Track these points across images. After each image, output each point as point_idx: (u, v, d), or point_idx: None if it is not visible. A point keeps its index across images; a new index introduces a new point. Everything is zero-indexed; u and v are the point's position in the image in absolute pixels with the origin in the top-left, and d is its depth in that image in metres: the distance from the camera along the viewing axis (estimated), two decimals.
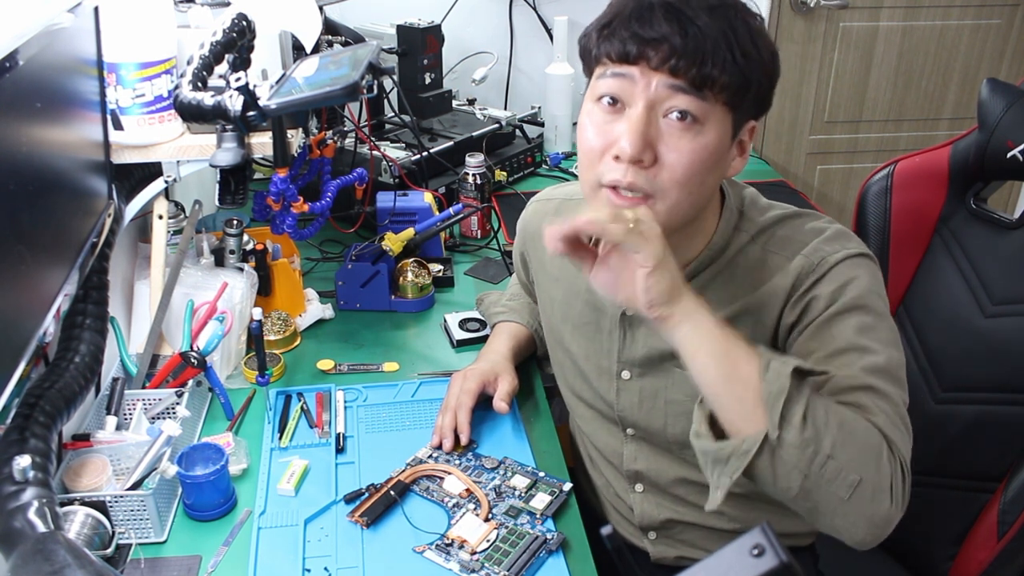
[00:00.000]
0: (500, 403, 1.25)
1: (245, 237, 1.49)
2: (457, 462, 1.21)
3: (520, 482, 1.16)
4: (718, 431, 0.89)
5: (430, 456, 1.22)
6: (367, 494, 1.14)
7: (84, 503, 1.03)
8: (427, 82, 2.02)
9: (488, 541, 1.06)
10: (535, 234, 1.25)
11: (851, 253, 0.99)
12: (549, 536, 1.07)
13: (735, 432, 0.86)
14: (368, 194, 1.61)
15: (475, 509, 1.12)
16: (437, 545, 1.07)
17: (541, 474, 1.18)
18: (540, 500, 1.13)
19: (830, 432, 0.83)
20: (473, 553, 1.05)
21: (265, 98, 1.14)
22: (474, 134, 2.02)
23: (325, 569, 1.05)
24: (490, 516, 1.11)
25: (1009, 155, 1.25)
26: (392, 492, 1.13)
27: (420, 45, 1.98)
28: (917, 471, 1.33)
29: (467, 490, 1.15)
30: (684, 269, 1.04)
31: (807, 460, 0.82)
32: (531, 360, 1.42)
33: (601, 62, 0.95)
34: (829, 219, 1.06)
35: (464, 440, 1.22)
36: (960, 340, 1.29)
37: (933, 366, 1.32)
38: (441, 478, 1.18)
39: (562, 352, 1.23)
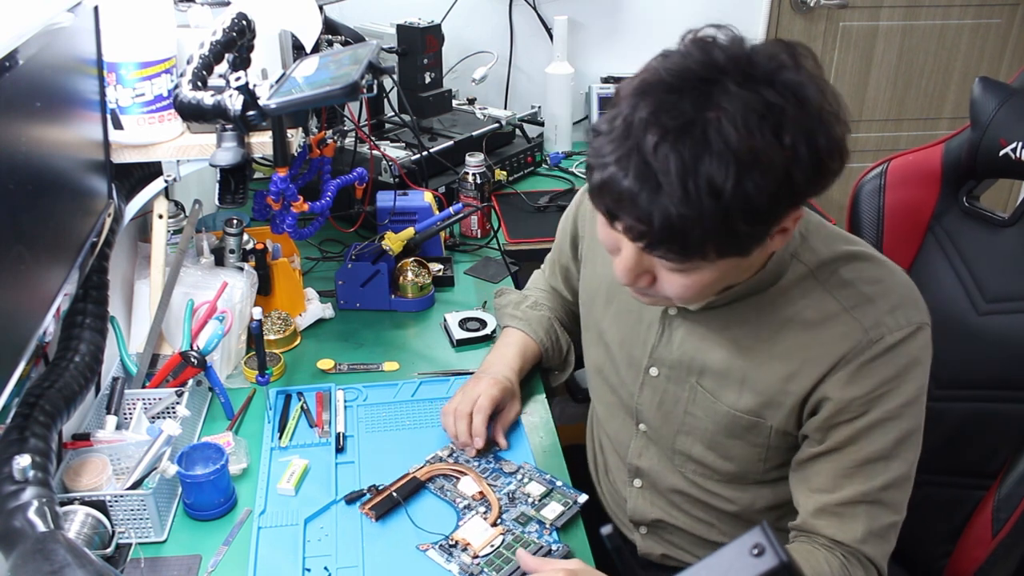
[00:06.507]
0: (503, 440, 1.24)
1: (245, 236, 1.49)
2: (475, 464, 1.20)
3: (535, 489, 1.15)
4: None
5: (450, 455, 1.22)
6: (369, 495, 1.14)
7: (84, 503, 1.03)
8: (427, 82, 2.02)
9: (492, 546, 1.06)
10: (594, 212, 1.23)
11: (910, 331, 0.95)
12: (554, 548, 1.06)
13: None
14: (368, 193, 1.61)
15: (485, 513, 1.11)
16: (441, 545, 1.07)
17: (558, 483, 1.17)
18: (552, 510, 1.12)
19: None
20: (475, 557, 1.04)
21: (265, 97, 1.14)
22: (474, 134, 2.02)
23: (325, 569, 1.05)
24: (499, 521, 1.10)
25: (1001, 153, 1.25)
26: (395, 494, 1.13)
27: (420, 45, 1.98)
28: None
29: (480, 492, 1.14)
30: (722, 292, 1.00)
31: None
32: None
33: None
34: (892, 266, 1.02)
35: (480, 445, 1.21)
36: (954, 338, 1.28)
37: None
38: (457, 478, 1.17)
39: (596, 332, 1.21)
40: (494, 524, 1.09)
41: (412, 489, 1.15)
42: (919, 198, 1.34)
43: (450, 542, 1.07)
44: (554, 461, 1.23)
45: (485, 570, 1.03)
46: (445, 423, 1.24)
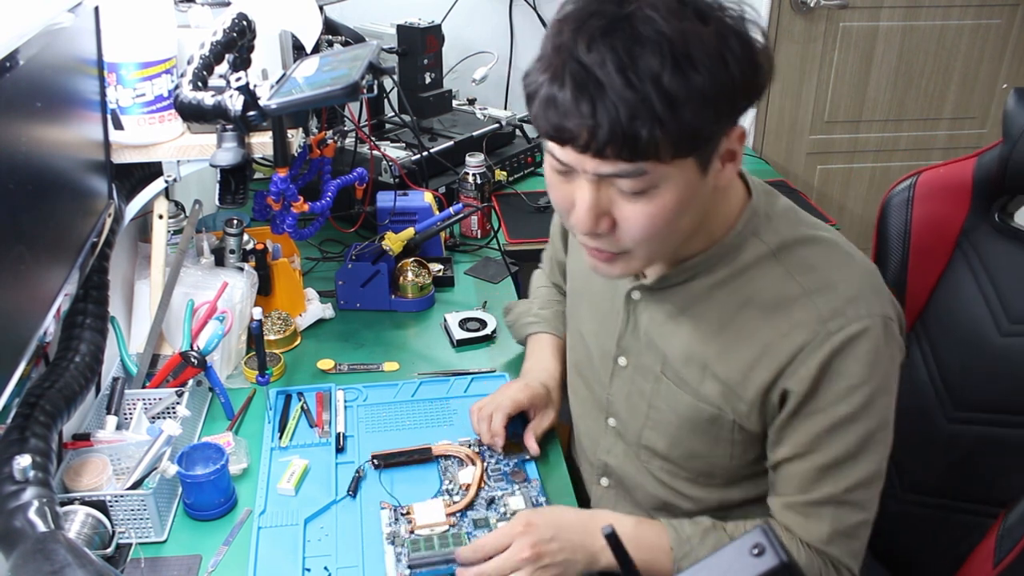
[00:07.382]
0: (533, 445, 1.23)
1: (245, 237, 1.49)
2: (490, 460, 1.21)
3: (516, 503, 1.13)
4: None
5: (480, 444, 1.23)
6: (359, 475, 1.18)
7: (84, 503, 1.03)
8: (427, 82, 2.02)
9: (431, 530, 1.08)
10: None
11: (870, 323, 0.92)
12: None
13: None
14: (368, 194, 1.61)
15: (452, 501, 1.13)
16: (395, 509, 1.10)
17: (543, 501, 1.15)
18: None
19: None
20: (411, 532, 1.07)
21: (265, 98, 1.14)
22: (474, 134, 2.02)
23: (325, 569, 1.05)
24: (457, 515, 1.11)
25: None
26: (375, 460, 1.19)
27: (420, 45, 1.98)
28: (922, 491, 1.29)
29: (469, 484, 1.15)
30: (678, 265, 1.00)
31: None
32: None
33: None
34: (858, 254, 0.99)
35: (499, 444, 1.21)
36: (975, 358, 1.23)
37: (947, 384, 1.28)
38: (465, 464, 1.19)
39: (575, 326, 1.21)
40: (450, 514, 1.10)
41: (421, 459, 1.20)
42: (948, 212, 1.28)
43: (401, 511, 1.10)
44: (555, 461, 1.23)
45: (405, 546, 1.05)
46: (471, 420, 1.25)
